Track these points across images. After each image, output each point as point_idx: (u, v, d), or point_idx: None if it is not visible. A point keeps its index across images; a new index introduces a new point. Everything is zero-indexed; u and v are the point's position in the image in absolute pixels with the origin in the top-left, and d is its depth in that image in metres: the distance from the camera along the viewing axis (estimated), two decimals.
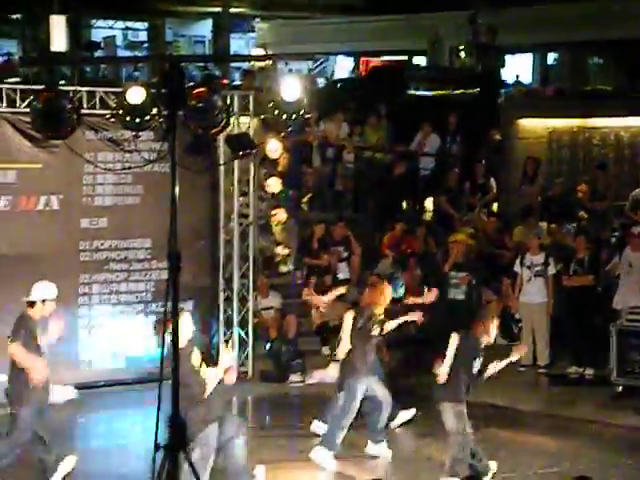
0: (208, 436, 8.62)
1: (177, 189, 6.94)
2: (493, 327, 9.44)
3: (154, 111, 8.00)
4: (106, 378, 12.67)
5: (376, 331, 10.29)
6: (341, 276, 15.67)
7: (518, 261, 14.38)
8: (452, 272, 14.22)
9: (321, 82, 28.57)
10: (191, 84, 8.95)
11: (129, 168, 12.50)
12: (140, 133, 9.78)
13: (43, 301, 9.24)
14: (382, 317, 10.33)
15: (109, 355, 12.88)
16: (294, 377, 13.53)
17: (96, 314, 12.81)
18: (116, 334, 12.88)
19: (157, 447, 6.58)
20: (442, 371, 9.28)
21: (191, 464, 6.75)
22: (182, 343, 8.80)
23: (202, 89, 8.77)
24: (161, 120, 7.86)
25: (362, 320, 10.24)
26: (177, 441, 6.57)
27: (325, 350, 14.52)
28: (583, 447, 10.73)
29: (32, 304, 9.22)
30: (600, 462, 10.10)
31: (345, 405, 10.12)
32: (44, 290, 9.33)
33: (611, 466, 9.95)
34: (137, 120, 8.22)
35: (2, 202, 12.09)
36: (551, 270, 14.15)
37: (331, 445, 10.00)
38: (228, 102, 12.71)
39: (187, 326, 8.91)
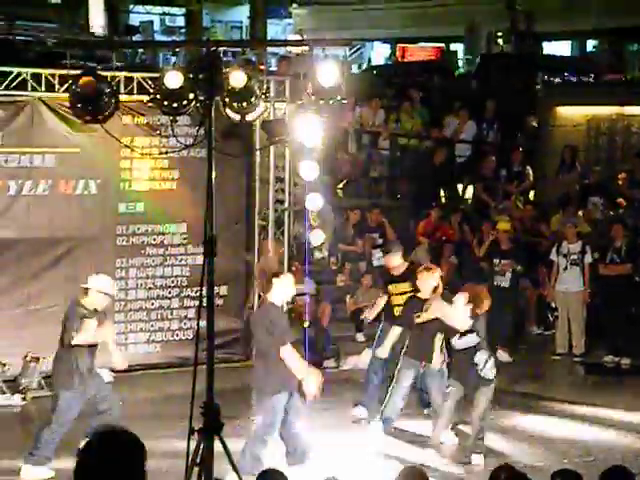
0: (275, 404, 8.75)
1: (213, 174, 6.96)
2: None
3: (191, 96, 8.01)
4: (141, 362, 12.75)
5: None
6: (375, 263, 15.66)
7: (554, 249, 14.29)
8: (496, 259, 14.19)
9: (358, 68, 28.53)
10: (228, 69, 8.96)
11: (166, 153, 12.55)
12: (177, 118, 9.82)
13: (97, 291, 9.33)
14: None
15: (144, 339, 12.96)
16: (328, 363, 13.55)
17: (132, 298, 12.90)
18: (151, 318, 12.97)
19: (192, 431, 6.62)
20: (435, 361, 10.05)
21: (225, 446, 6.78)
22: (279, 302, 8.94)
23: (238, 74, 8.75)
24: (198, 105, 7.88)
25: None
26: (212, 425, 6.61)
27: (359, 336, 14.53)
28: (619, 437, 10.67)
29: (86, 291, 9.34)
30: (636, 452, 10.03)
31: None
32: (100, 281, 9.41)
33: None
34: (175, 105, 8.22)
35: (42, 186, 12.19)
36: (588, 259, 14.05)
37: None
38: (265, 88, 12.71)
39: (287, 287, 8.97)
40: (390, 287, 11.21)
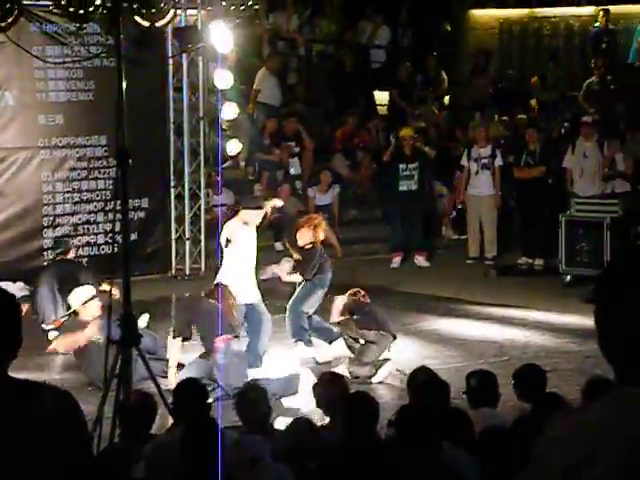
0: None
1: (124, 84, 6.83)
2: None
3: (98, 2, 7.81)
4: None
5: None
6: (293, 171, 15.62)
7: (465, 154, 14.37)
8: (402, 165, 14.22)
9: None
10: None
11: (77, 62, 12.24)
12: (85, 25, 9.56)
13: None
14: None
15: (71, 254, 12.76)
16: None
17: (59, 212, 12.70)
18: (78, 233, 12.79)
19: (110, 342, 6.61)
20: None
21: (143, 357, 6.79)
22: None
23: None
24: (105, 12, 7.68)
25: None
26: (129, 336, 6.60)
27: (278, 245, 14.55)
28: (532, 336, 10.90)
29: None
30: (548, 350, 10.28)
31: None
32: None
33: (558, 353, 10.14)
34: (81, 11, 8.01)
35: None
36: (498, 162, 14.16)
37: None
38: None
39: None
40: None
